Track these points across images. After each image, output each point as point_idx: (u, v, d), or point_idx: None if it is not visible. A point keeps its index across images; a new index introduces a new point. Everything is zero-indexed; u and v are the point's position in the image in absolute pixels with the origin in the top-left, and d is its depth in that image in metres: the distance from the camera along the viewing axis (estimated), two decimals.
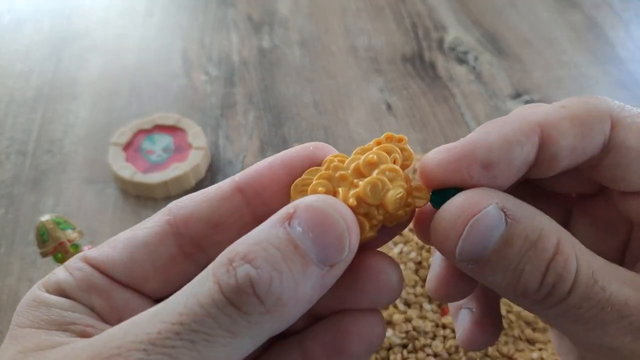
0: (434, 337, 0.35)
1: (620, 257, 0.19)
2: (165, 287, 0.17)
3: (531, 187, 0.20)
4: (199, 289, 0.14)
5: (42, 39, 0.62)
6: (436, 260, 0.19)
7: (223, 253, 0.14)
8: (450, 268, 0.19)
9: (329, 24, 0.64)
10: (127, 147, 0.47)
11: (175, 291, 0.17)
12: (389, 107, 0.53)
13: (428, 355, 0.34)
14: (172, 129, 0.49)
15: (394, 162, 0.16)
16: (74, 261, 0.17)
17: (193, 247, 0.17)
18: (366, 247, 0.17)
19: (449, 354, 0.34)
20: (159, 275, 0.17)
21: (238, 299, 0.13)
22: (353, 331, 0.17)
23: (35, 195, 0.46)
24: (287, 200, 0.17)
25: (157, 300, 0.17)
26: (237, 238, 0.17)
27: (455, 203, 0.15)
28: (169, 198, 0.45)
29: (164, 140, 0.48)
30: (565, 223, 0.21)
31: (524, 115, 0.16)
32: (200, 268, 0.17)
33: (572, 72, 0.57)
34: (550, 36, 0.62)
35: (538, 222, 0.15)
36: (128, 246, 0.17)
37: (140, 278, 0.17)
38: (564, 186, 0.20)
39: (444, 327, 0.35)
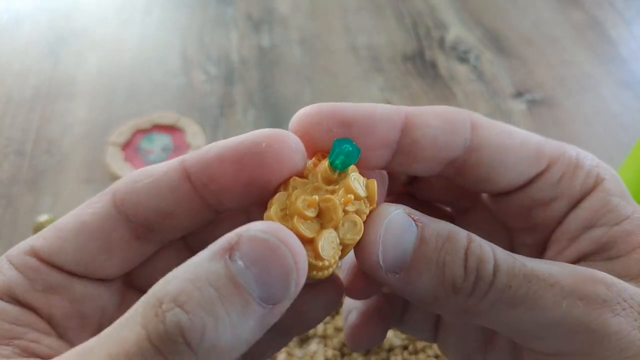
0: None
1: None
2: (122, 269, 0.17)
3: (413, 202, 0.21)
4: (126, 332, 0.12)
5: (40, 37, 0.61)
6: (348, 312, 0.21)
7: (153, 289, 0.13)
8: (363, 316, 0.20)
9: (329, 23, 0.63)
10: (125, 146, 0.47)
11: (131, 270, 0.17)
12: None
13: (429, 356, 0.33)
14: (170, 129, 0.48)
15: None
16: (22, 257, 0.16)
17: (145, 230, 0.16)
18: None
19: None
20: (114, 259, 0.16)
21: (167, 348, 0.12)
22: None
23: (33, 196, 0.45)
24: (235, 194, 0.16)
25: (115, 280, 0.17)
26: (187, 223, 0.16)
27: (369, 219, 0.16)
28: None
29: (162, 140, 0.48)
30: None
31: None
32: (155, 245, 0.17)
33: (574, 71, 0.57)
34: (552, 35, 0.61)
35: (444, 223, 0.16)
36: (79, 235, 0.16)
37: (96, 266, 0.16)
38: (438, 195, 0.21)
39: None
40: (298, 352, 0.35)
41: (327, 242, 0.15)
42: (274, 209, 0.15)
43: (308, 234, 0.15)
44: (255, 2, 0.66)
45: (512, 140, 0.17)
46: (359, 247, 0.16)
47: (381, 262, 0.15)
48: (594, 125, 0.51)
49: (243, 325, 0.12)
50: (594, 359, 0.14)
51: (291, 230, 0.14)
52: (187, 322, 0.12)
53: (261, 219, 0.15)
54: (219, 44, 0.60)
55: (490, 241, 0.20)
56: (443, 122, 0.17)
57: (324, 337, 0.36)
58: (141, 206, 0.16)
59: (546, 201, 0.18)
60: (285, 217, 0.15)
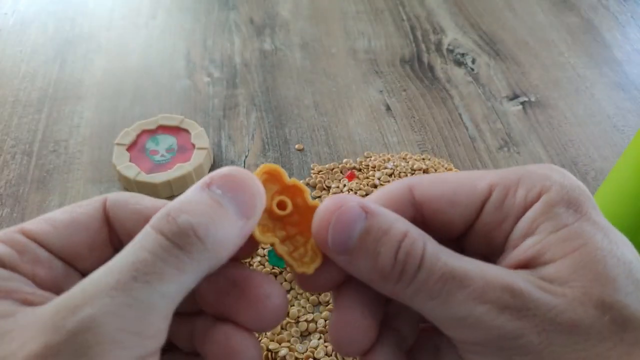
0: None
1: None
2: (94, 267, 0.18)
3: None
4: (144, 242, 0.16)
5: (46, 40, 0.62)
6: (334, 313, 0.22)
7: (158, 213, 0.16)
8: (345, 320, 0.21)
9: (329, 27, 0.65)
10: (131, 147, 0.48)
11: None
12: (388, 108, 0.54)
13: None
14: (175, 130, 0.49)
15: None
16: (10, 233, 0.18)
17: (119, 242, 0.19)
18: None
19: None
20: (93, 258, 0.19)
21: (182, 240, 0.16)
22: (232, 346, 0.18)
23: (41, 195, 0.46)
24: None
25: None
26: None
27: (326, 203, 0.18)
28: (173, 197, 0.45)
29: (167, 141, 0.49)
30: None
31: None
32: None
33: (569, 73, 0.58)
34: (547, 38, 0.62)
35: (391, 217, 0.18)
36: (69, 227, 0.19)
37: (76, 256, 0.19)
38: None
39: None
40: (299, 347, 0.36)
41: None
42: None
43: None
44: (258, 7, 0.68)
45: (446, 183, 0.20)
46: (315, 224, 0.19)
47: (330, 243, 0.18)
48: (588, 127, 0.52)
49: (231, 230, 0.17)
50: (496, 351, 0.17)
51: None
52: (196, 222, 0.16)
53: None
54: (222, 48, 0.61)
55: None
56: (392, 200, 0.20)
57: (325, 332, 0.37)
58: (122, 218, 0.19)
59: (498, 223, 0.19)
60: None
